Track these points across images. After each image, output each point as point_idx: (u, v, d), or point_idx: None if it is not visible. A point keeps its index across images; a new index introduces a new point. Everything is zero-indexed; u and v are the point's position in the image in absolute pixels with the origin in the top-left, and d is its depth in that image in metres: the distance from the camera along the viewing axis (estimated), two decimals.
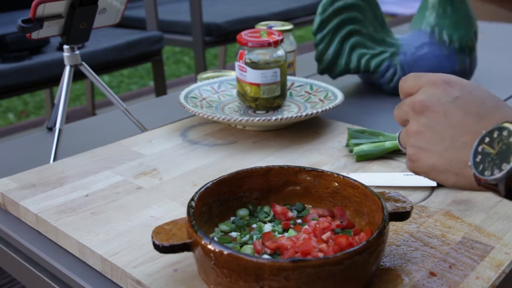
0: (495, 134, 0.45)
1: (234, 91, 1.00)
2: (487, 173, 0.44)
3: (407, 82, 0.54)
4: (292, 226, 0.60)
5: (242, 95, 0.93)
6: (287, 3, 2.43)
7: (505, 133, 0.44)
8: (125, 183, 0.73)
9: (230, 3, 2.50)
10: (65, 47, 0.88)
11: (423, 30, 1.11)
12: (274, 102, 0.93)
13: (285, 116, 0.84)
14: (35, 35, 0.80)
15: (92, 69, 0.92)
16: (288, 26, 1.06)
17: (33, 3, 0.77)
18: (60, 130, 0.84)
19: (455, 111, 0.49)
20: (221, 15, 2.17)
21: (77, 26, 0.84)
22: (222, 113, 0.92)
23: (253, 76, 0.90)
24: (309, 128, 0.91)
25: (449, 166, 0.48)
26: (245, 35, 0.91)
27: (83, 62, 0.90)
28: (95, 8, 0.85)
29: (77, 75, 1.09)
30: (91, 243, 0.59)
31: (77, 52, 0.89)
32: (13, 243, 0.67)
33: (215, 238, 0.58)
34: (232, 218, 0.61)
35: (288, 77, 1.02)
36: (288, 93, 0.99)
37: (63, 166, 0.78)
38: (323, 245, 0.53)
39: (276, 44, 0.89)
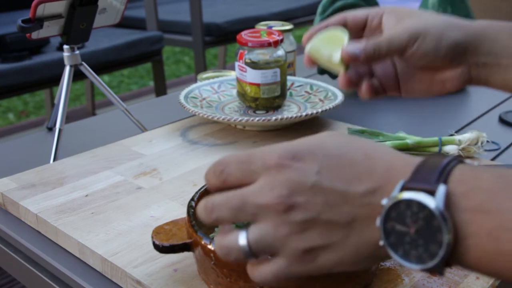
0: (402, 207, 0.36)
1: (234, 91, 1.00)
2: (413, 259, 0.36)
3: (230, 175, 0.41)
4: None
5: (242, 95, 0.93)
6: (287, 3, 2.43)
7: (415, 208, 0.35)
8: (125, 183, 0.73)
9: (230, 3, 2.50)
10: (65, 47, 0.88)
11: None
12: (274, 102, 0.93)
13: (285, 116, 0.84)
14: (35, 35, 0.80)
15: (92, 69, 0.92)
16: (288, 26, 1.06)
17: (33, 3, 0.77)
18: (60, 130, 0.84)
19: (329, 188, 0.38)
20: (221, 15, 2.17)
21: (77, 26, 0.84)
22: (222, 113, 0.92)
23: (253, 76, 0.90)
24: (309, 128, 0.91)
25: (361, 254, 0.38)
26: (245, 35, 0.91)
27: (83, 62, 0.90)
28: (95, 8, 0.85)
29: (77, 75, 1.08)
30: (91, 243, 0.59)
31: (77, 52, 0.89)
32: (13, 243, 0.67)
33: None
34: None
35: (288, 77, 1.02)
36: (288, 93, 0.99)
37: (63, 166, 0.78)
38: None
39: (276, 44, 0.89)
